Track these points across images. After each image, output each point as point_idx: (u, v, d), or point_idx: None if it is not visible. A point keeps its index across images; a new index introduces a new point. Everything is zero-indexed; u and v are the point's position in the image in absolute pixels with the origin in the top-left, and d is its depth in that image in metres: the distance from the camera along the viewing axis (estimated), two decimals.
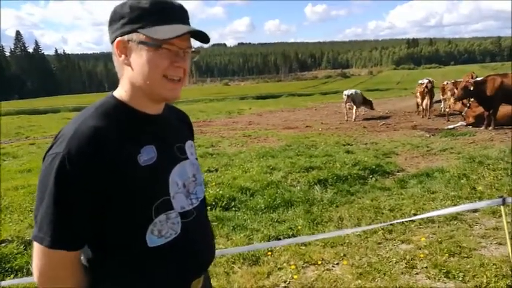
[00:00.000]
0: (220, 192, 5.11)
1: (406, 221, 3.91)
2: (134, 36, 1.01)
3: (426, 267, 3.18)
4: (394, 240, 3.75)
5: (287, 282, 3.14)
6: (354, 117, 13.46)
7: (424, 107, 12.87)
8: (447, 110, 12.04)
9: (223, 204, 4.87)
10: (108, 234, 1.02)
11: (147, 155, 1.04)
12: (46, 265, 0.98)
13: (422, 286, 2.95)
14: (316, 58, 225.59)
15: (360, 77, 78.20)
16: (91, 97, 48.12)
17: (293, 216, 4.49)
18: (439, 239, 3.64)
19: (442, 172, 5.82)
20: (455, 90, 10.53)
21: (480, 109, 10.11)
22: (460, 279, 2.98)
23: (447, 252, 3.36)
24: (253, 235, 4.01)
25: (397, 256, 3.40)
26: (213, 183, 5.59)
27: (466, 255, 3.32)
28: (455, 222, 4.05)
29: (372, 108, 14.22)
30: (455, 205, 4.39)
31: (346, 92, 13.75)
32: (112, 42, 1.05)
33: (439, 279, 3.01)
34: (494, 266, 3.06)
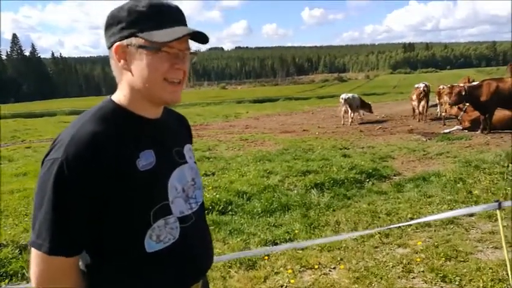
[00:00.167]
0: (217, 196, 5.10)
1: (403, 225, 3.92)
2: (133, 40, 1.00)
3: (423, 271, 3.18)
4: (391, 244, 3.75)
5: (284, 287, 3.14)
6: (350, 121, 13.50)
7: (420, 111, 12.94)
8: (443, 114, 12.09)
9: (220, 208, 4.86)
10: (106, 240, 1.02)
11: (146, 160, 1.04)
12: (44, 271, 0.97)
13: None
14: (313, 62, 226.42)
15: (356, 81, 78.43)
16: (88, 101, 47.99)
17: (290, 220, 4.48)
18: (436, 243, 3.65)
19: (438, 176, 5.83)
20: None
21: (476, 113, 10.16)
22: (457, 283, 2.98)
23: (444, 256, 3.37)
24: (250, 239, 4.01)
25: (393, 260, 3.40)
26: (210, 187, 5.58)
27: (462, 259, 3.33)
28: (452, 226, 4.06)
29: (370, 111, 14.26)
30: (451, 209, 4.40)
31: (343, 96, 13.78)
32: (110, 47, 1.04)
33: (435, 284, 3.01)
34: (491, 270, 3.07)
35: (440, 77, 59.10)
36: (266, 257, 3.56)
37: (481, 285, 2.90)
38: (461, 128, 10.49)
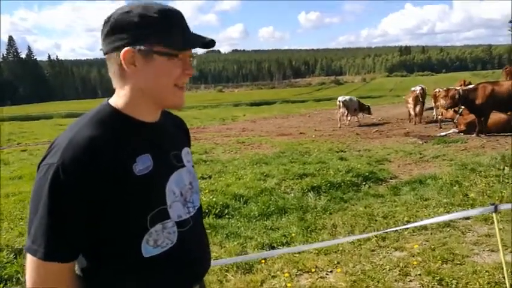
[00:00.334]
0: (214, 199, 5.09)
1: (400, 228, 3.92)
2: (147, 46, 1.00)
3: (419, 275, 3.18)
4: (388, 247, 3.75)
5: None
6: (347, 123, 13.53)
7: (417, 114, 13.00)
8: (439, 117, 12.14)
9: (217, 211, 4.84)
10: (102, 244, 1.01)
11: (143, 164, 1.03)
12: (40, 277, 0.97)
13: None
14: (310, 65, 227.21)
15: (353, 84, 78.78)
16: (84, 103, 47.87)
17: (287, 224, 4.48)
18: (432, 246, 3.65)
19: (434, 179, 5.85)
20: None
21: (472, 116, 10.21)
22: (453, 286, 2.98)
23: (440, 259, 3.37)
24: (247, 243, 3.99)
25: (390, 263, 3.40)
26: (207, 190, 5.57)
27: (459, 263, 3.33)
28: (448, 229, 4.07)
29: (369, 113, 14.28)
30: (448, 212, 4.41)
31: (340, 99, 13.82)
32: (113, 50, 1.02)
33: (432, 287, 3.02)
34: (487, 273, 3.07)
35: (436, 80, 59.49)
36: (263, 261, 3.55)
37: None
38: (457, 131, 10.53)
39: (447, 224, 4.13)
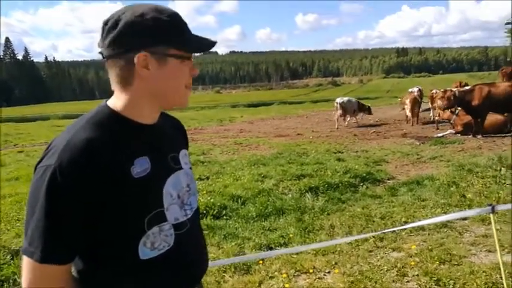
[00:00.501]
0: (212, 200, 5.09)
1: (397, 229, 3.93)
2: (161, 49, 1.01)
3: (417, 275, 3.19)
4: (385, 248, 3.76)
5: None
6: (345, 124, 13.56)
7: (414, 115, 13.05)
8: (436, 118, 12.18)
9: (215, 212, 4.84)
10: (99, 247, 1.00)
11: (141, 167, 1.03)
12: (36, 279, 0.96)
13: None
14: (307, 66, 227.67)
15: (350, 86, 78.93)
16: (81, 105, 47.76)
17: (284, 225, 4.48)
18: (430, 247, 3.66)
19: (432, 180, 5.86)
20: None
21: (468, 117, 10.24)
22: (451, 286, 2.99)
23: (438, 260, 3.38)
24: (245, 243, 3.99)
25: (388, 264, 3.40)
26: (204, 191, 5.56)
27: (456, 263, 3.34)
28: (445, 230, 4.07)
29: (370, 113, 14.24)
30: (445, 213, 4.42)
31: (338, 100, 13.84)
32: (123, 54, 1.01)
33: (429, 287, 3.02)
34: (484, 274, 3.08)
35: (433, 81, 59.65)
36: (261, 262, 3.55)
37: None
38: (453, 131, 10.57)
39: (444, 225, 4.14)
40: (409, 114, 13.24)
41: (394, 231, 3.97)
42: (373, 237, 3.89)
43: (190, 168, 1.23)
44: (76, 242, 0.97)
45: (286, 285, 3.16)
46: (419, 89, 13.57)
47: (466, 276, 3.08)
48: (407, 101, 13.17)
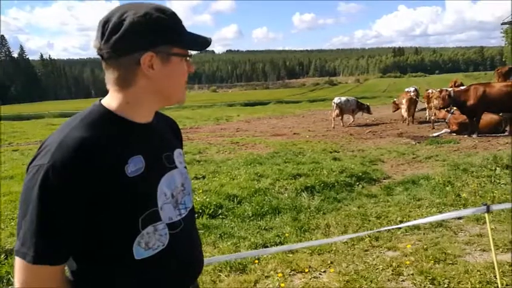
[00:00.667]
0: (207, 199, 5.08)
1: (393, 228, 3.94)
2: (165, 48, 1.03)
3: (412, 274, 3.20)
4: (381, 247, 3.77)
5: None
6: (341, 124, 13.59)
7: (410, 114, 13.11)
8: (432, 117, 12.24)
9: (210, 211, 4.83)
10: (93, 247, 1.00)
11: (135, 166, 1.02)
12: (29, 280, 0.95)
13: None
14: (304, 66, 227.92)
15: (347, 85, 79.01)
16: (77, 103, 47.57)
17: (280, 224, 4.48)
18: (425, 246, 3.67)
19: (427, 179, 5.89)
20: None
21: (463, 116, 10.30)
22: (446, 285, 3.00)
23: (432, 259, 3.39)
24: (241, 243, 3.99)
25: (383, 263, 3.41)
26: (200, 191, 5.55)
27: (451, 262, 3.36)
28: (440, 229, 4.09)
29: (369, 112, 14.23)
30: (440, 212, 4.44)
31: (335, 100, 13.87)
32: (126, 54, 1.00)
33: (424, 286, 3.03)
34: (479, 273, 3.10)
35: (429, 81, 59.90)
36: (256, 261, 3.55)
37: (469, 287, 2.93)
38: (449, 130, 10.61)
39: (439, 224, 4.16)
40: (405, 113, 13.30)
41: (389, 230, 3.99)
42: (369, 236, 3.90)
43: (185, 167, 1.22)
44: (69, 243, 0.96)
45: (282, 285, 3.16)
46: (416, 89, 13.64)
47: (461, 275, 3.10)
48: (404, 101, 13.22)
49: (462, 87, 10.97)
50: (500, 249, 3.49)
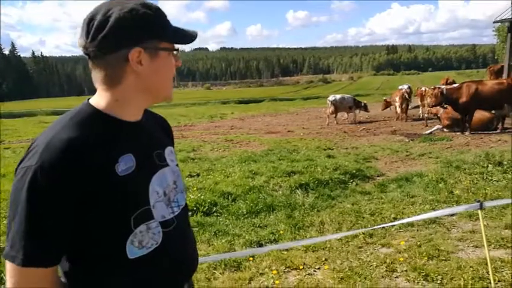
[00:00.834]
0: (202, 197, 5.07)
1: (387, 225, 3.96)
2: (153, 43, 1.02)
3: (406, 271, 3.22)
4: (375, 244, 3.79)
5: None
6: (335, 122, 13.64)
7: (402, 111, 13.21)
8: (425, 115, 12.32)
9: (205, 209, 4.82)
10: (86, 247, 0.98)
11: (125, 164, 1.01)
12: (20, 283, 0.94)
13: None
14: (298, 63, 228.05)
15: (340, 83, 79.13)
16: (69, 101, 47.18)
17: (275, 221, 4.48)
18: (418, 243, 3.70)
19: (420, 176, 5.93)
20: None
21: (454, 111, 10.39)
22: (439, 282, 3.03)
23: (426, 255, 3.42)
24: (235, 240, 3.99)
25: (377, 260, 3.43)
26: (195, 188, 5.54)
27: (444, 258, 3.38)
28: (434, 226, 4.12)
29: (366, 110, 14.22)
30: (433, 209, 4.48)
31: (330, 98, 13.91)
32: (114, 51, 0.98)
33: (418, 282, 3.06)
34: (471, 269, 3.13)
35: (422, 78, 60.21)
36: (251, 258, 3.55)
37: (462, 283, 2.96)
38: (441, 126, 10.68)
39: (433, 221, 4.19)
40: (398, 110, 13.39)
41: (383, 227, 4.01)
42: (363, 233, 3.92)
43: (177, 165, 1.21)
44: (60, 244, 0.95)
45: (277, 282, 3.17)
46: (409, 86, 13.72)
47: (454, 271, 3.13)
48: (397, 98, 13.31)
49: (455, 85, 11.05)
50: (493, 246, 3.53)
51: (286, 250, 3.68)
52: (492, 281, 2.67)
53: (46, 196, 0.90)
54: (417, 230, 4.04)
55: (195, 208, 4.77)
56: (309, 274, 3.30)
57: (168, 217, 1.10)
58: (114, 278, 1.02)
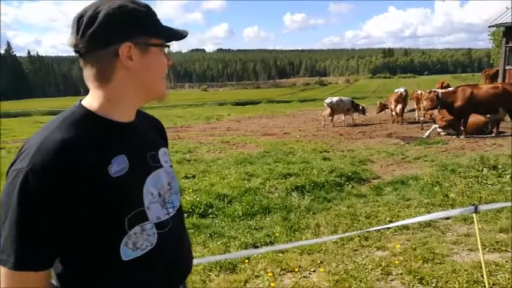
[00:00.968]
0: (198, 199, 5.06)
1: (382, 228, 3.97)
2: (143, 38, 1.02)
3: (401, 274, 3.23)
4: (370, 247, 3.79)
5: None
6: (331, 124, 13.67)
7: (398, 114, 13.28)
8: (421, 118, 12.38)
9: (200, 211, 4.81)
10: (79, 250, 0.97)
11: (118, 166, 1.00)
12: (13, 286, 0.93)
13: None
14: (295, 66, 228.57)
15: (337, 85, 79.38)
16: (65, 101, 46.99)
17: (271, 223, 4.48)
18: (414, 246, 3.71)
19: (416, 180, 5.94)
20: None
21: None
22: (434, 285, 3.03)
23: (421, 258, 3.42)
24: (231, 242, 3.98)
25: (372, 263, 3.44)
26: (190, 190, 5.52)
27: (439, 262, 3.39)
28: (429, 229, 4.13)
29: (364, 113, 14.24)
30: (428, 212, 4.49)
31: (326, 101, 13.94)
32: (104, 46, 0.99)
33: (413, 285, 3.06)
34: (466, 272, 3.14)
35: (418, 82, 60.50)
36: (246, 260, 3.54)
37: (457, 286, 2.96)
38: (437, 126, 10.71)
39: (428, 224, 4.20)
40: (394, 113, 13.44)
41: (379, 230, 4.01)
42: (358, 236, 3.93)
43: (171, 166, 1.21)
44: (52, 247, 0.94)
45: (272, 284, 3.16)
46: (405, 90, 13.79)
47: (449, 274, 3.13)
48: (393, 101, 13.38)
49: (450, 89, 11.11)
50: (487, 249, 3.54)
51: (282, 252, 3.68)
52: (487, 285, 2.68)
53: (38, 198, 0.89)
54: (412, 233, 4.05)
55: (190, 210, 4.76)
56: (304, 277, 3.30)
57: (163, 218, 1.09)
58: (108, 280, 1.01)
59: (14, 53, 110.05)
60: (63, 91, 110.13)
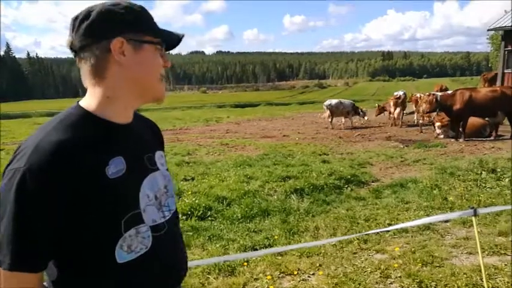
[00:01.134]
0: (196, 201, 5.05)
1: (381, 231, 3.97)
2: (136, 35, 1.03)
3: (400, 277, 3.22)
4: (369, 250, 3.79)
5: None
6: (330, 127, 13.68)
7: (396, 117, 13.29)
8: (420, 121, 12.40)
9: (199, 213, 4.80)
10: (74, 251, 0.97)
11: (116, 167, 1.00)
12: (9, 286, 0.92)
13: None
14: (294, 68, 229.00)
15: (336, 88, 79.42)
16: (64, 102, 46.93)
17: (270, 226, 4.47)
18: (413, 249, 3.70)
19: (415, 182, 5.95)
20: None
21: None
22: None
23: (420, 261, 3.42)
24: (229, 245, 3.97)
25: (371, 266, 3.43)
26: (189, 192, 5.51)
27: (438, 265, 3.39)
28: (428, 232, 4.13)
29: (364, 117, 14.21)
30: (427, 215, 4.49)
31: (325, 103, 13.95)
32: (97, 41, 1.00)
33: None
34: (465, 276, 3.13)
35: (417, 85, 60.58)
36: (245, 263, 3.53)
37: None
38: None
39: (427, 227, 4.20)
40: (397, 112, 13.45)
41: (378, 233, 4.01)
42: (357, 239, 3.92)
43: (167, 169, 1.21)
44: (48, 248, 0.93)
45: (271, 287, 3.16)
46: (404, 93, 13.83)
47: (448, 278, 3.13)
48: (392, 104, 13.41)
49: (449, 92, 11.14)
50: (486, 252, 3.54)
51: (281, 255, 3.67)
52: None
53: (34, 199, 0.89)
54: (411, 236, 4.05)
55: (189, 212, 4.75)
56: (303, 279, 3.29)
57: (159, 221, 1.09)
58: (102, 283, 1.00)
59: (13, 55, 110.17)
60: (62, 93, 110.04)
